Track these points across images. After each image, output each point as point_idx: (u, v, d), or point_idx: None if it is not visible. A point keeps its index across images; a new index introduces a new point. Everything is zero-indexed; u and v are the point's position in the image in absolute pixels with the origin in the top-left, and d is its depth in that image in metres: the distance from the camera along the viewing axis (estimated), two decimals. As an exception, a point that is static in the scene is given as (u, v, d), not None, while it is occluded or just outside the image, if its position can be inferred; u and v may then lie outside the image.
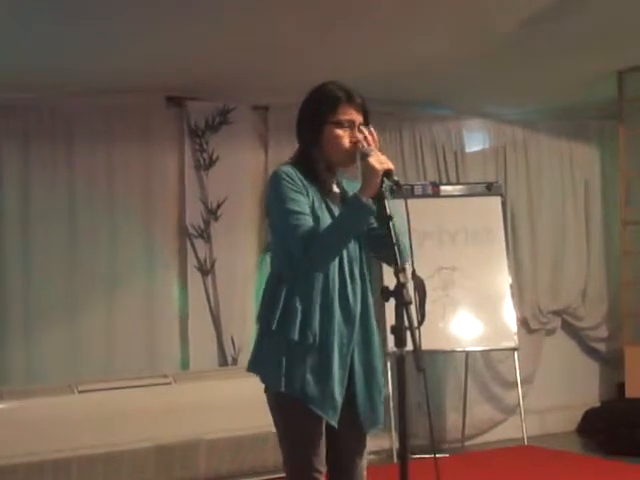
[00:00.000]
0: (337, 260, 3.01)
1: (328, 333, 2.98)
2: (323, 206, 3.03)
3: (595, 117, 7.67)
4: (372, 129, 3.06)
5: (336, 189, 3.15)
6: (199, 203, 6.40)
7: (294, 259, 2.98)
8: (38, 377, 5.82)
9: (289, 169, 3.05)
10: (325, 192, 3.09)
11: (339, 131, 3.05)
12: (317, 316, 2.97)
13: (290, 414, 3.02)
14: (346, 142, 3.04)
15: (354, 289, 3.05)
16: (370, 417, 3.08)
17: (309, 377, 2.96)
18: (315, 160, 3.09)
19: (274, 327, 2.98)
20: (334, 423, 2.99)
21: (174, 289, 6.40)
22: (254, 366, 3.10)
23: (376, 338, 3.13)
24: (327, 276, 2.99)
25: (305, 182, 3.03)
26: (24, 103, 5.90)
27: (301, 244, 2.92)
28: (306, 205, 2.98)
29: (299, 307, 2.97)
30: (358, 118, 3.07)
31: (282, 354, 2.97)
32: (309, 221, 2.95)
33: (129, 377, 5.67)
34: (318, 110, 3.08)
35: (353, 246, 3.07)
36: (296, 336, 2.95)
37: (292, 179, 3.01)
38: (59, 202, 6.02)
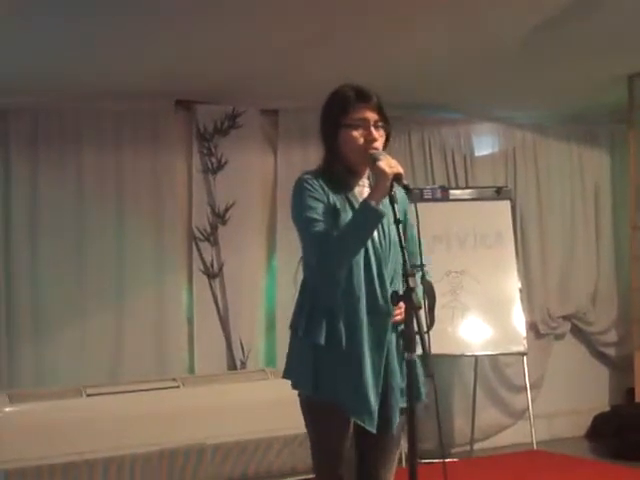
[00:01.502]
0: (362, 261, 2.98)
1: (357, 336, 2.95)
2: (347, 210, 2.99)
3: (605, 122, 7.66)
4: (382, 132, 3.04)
5: (366, 191, 3.07)
6: (207, 207, 6.41)
7: (314, 265, 2.99)
8: (47, 380, 5.83)
9: (309, 176, 3.03)
10: (350, 195, 3.04)
11: (353, 132, 3.01)
12: (342, 320, 2.95)
13: (320, 419, 3.03)
14: (360, 141, 3.00)
15: (383, 290, 3.00)
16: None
17: (341, 383, 2.94)
18: (335, 165, 3.06)
19: (301, 333, 2.99)
20: (371, 429, 2.96)
21: (183, 292, 6.41)
22: (287, 372, 3.11)
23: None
24: (351, 279, 2.96)
25: (327, 188, 3.00)
26: (33, 107, 5.91)
27: (316, 250, 2.93)
28: (325, 212, 2.96)
29: (324, 311, 2.96)
30: (372, 116, 3.02)
31: (310, 359, 2.97)
32: (326, 228, 2.93)
33: (137, 381, 5.66)
34: (331, 115, 3.06)
35: (385, 246, 3.03)
36: (322, 340, 2.94)
37: (312, 186, 2.99)
38: (67, 205, 6.03)
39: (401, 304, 2.89)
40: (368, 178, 3.13)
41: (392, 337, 3.02)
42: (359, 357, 2.95)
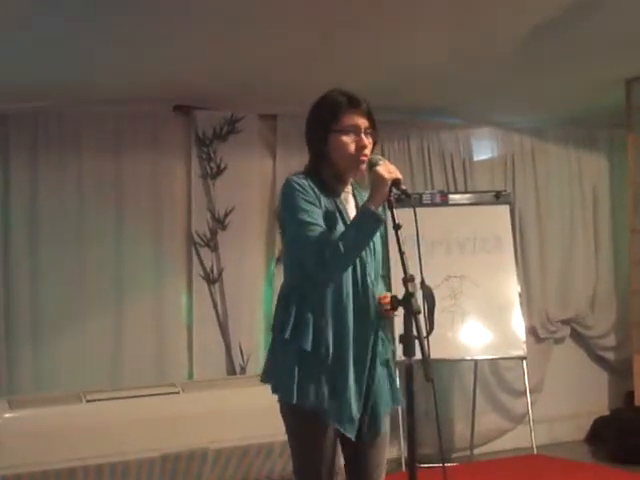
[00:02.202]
0: (350, 269, 2.97)
1: (343, 344, 2.94)
2: (337, 215, 2.99)
3: (603, 125, 7.66)
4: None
5: (351, 198, 3.11)
6: (206, 212, 6.41)
7: (307, 269, 2.94)
8: (46, 386, 5.82)
9: (300, 179, 3.00)
10: (338, 201, 3.04)
11: (344, 138, 2.99)
12: (330, 327, 2.93)
13: (301, 425, 2.99)
14: (351, 148, 2.99)
15: (368, 297, 3.00)
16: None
17: (324, 389, 2.92)
18: (323, 170, 3.05)
19: (287, 337, 2.94)
20: (352, 436, 2.95)
21: (182, 298, 6.41)
22: (267, 376, 3.06)
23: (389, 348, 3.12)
24: (340, 286, 2.96)
25: (317, 192, 2.98)
26: (33, 112, 5.92)
27: (314, 254, 2.87)
28: (319, 215, 2.93)
29: (311, 317, 2.94)
30: (363, 123, 3.01)
31: (294, 365, 2.93)
32: (322, 232, 2.91)
33: (137, 386, 5.67)
34: (321, 119, 3.04)
35: (369, 255, 3.03)
36: (309, 346, 2.91)
37: (304, 189, 2.96)
38: (67, 210, 6.04)
39: (387, 294, 2.96)
40: (351, 184, 3.14)
41: (376, 342, 3.03)
42: (345, 363, 2.94)
